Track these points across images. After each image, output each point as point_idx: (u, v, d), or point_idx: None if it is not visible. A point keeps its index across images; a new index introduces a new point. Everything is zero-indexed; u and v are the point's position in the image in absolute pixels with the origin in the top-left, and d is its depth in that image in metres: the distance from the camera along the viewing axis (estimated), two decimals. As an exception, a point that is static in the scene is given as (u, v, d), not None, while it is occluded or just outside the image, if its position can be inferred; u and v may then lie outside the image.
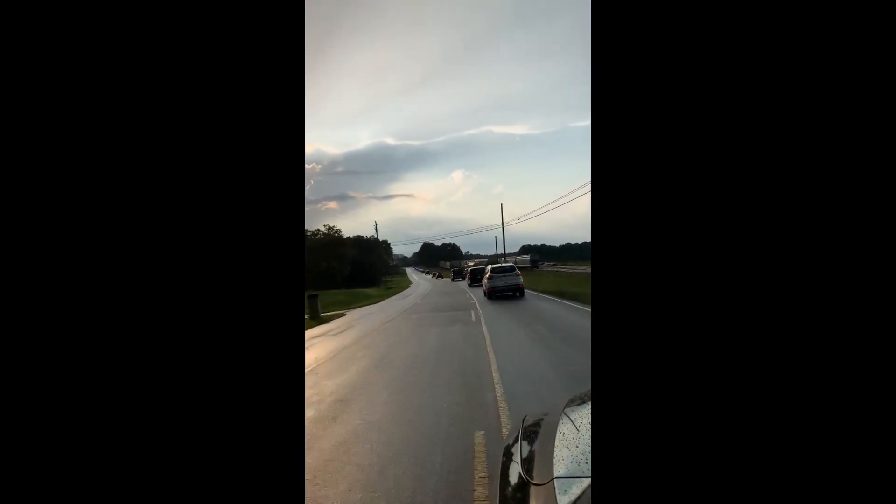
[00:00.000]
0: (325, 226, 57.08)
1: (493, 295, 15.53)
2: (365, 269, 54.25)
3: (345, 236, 57.33)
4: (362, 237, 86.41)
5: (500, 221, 37.02)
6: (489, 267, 18.03)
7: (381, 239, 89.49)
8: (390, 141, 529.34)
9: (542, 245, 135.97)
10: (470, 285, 25.96)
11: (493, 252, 69.52)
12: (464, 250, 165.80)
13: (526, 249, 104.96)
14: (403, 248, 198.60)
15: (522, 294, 15.54)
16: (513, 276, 15.74)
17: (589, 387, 0.94)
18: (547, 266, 59.50)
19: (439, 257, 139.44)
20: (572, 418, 1.08)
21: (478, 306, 13.46)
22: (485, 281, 16.68)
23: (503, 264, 18.43)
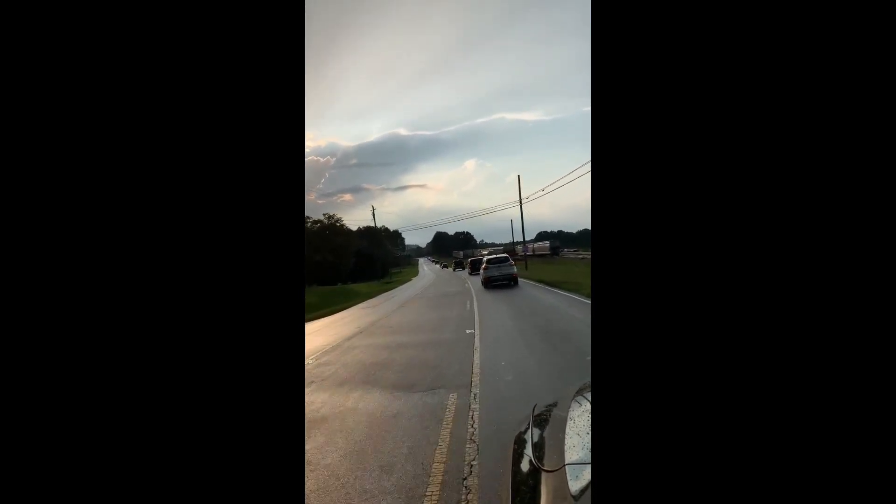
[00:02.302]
0: (325, 215, 49.20)
1: (489, 284, 15.40)
2: (372, 261, 47.02)
3: (352, 227, 48.86)
4: (372, 227, 78.80)
5: (518, 197, 28.68)
6: (486, 258, 17.88)
7: (383, 226, 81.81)
8: (403, 132, 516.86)
9: (560, 231, 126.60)
10: (470, 274, 25.91)
11: (508, 240, 61.15)
12: (478, 239, 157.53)
13: (542, 236, 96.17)
14: (417, 238, 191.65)
15: (516, 283, 15.36)
16: (507, 266, 15.77)
17: None
18: (568, 252, 51.77)
19: (452, 246, 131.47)
20: (583, 406, 1.06)
21: (475, 339, 5.21)
22: (482, 271, 16.64)
23: (498, 255, 17.53)
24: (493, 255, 17.91)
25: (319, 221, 45.62)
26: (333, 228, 46.31)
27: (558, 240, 67.54)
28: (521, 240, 31.14)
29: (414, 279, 37.75)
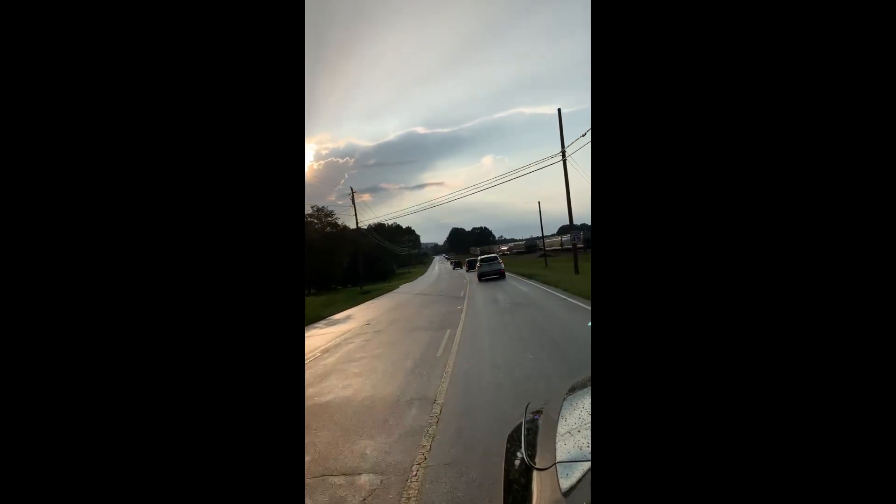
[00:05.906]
0: (312, 207, 39.04)
1: (482, 278, 19.13)
2: (373, 262, 37.73)
3: (363, 227, 38.02)
4: (383, 225, 68.65)
5: (560, 138, 17.86)
6: (479, 258, 22.18)
7: (394, 223, 72.03)
8: (420, 130, 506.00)
9: (582, 224, 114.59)
10: (466, 271, 31.73)
11: (528, 235, 50.43)
12: (496, 234, 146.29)
13: (564, 230, 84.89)
14: (434, 235, 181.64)
15: (503, 277, 18.93)
16: (496, 264, 19.73)
17: (589, 375, 0.93)
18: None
19: (469, 243, 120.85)
20: (573, 405, 1.08)
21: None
22: (476, 268, 20.91)
23: (488, 255, 21.10)
24: (485, 256, 22.32)
25: (312, 220, 35.18)
26: (313, 227, 36.09)
27: (590, 232, 56.47)
28: (569, 220, 18.39)
29: (403, 286, 28.25)
